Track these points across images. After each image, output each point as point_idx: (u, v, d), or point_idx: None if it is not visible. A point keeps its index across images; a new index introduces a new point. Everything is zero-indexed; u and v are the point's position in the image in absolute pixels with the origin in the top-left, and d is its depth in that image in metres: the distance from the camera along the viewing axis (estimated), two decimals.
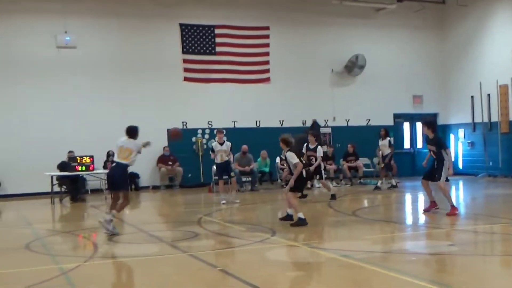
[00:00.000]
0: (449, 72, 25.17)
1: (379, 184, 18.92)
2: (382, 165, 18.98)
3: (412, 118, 25.06)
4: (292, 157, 11.61)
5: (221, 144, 16.10)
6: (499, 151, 22.75)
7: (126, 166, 11.17)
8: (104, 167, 18.74)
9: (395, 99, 24.46)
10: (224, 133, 16.86)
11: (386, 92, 24.18)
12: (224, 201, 15.89)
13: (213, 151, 16.26)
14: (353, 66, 23.54)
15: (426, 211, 12.94)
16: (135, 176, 20.36)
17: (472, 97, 23.75)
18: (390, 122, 24.48)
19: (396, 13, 24.00)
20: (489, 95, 23.09)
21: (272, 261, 8.77)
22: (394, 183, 19.16)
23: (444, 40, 25.39)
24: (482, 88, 23.17)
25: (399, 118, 24.82)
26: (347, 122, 23.69)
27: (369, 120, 24.06)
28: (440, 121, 25.18)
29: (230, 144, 16.17)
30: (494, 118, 22.99)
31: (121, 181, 11.13)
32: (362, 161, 21.96)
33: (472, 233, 10.69)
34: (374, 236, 10.43)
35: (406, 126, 25.34)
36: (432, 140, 12.63)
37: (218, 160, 16.11)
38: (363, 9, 23.71)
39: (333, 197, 15.92)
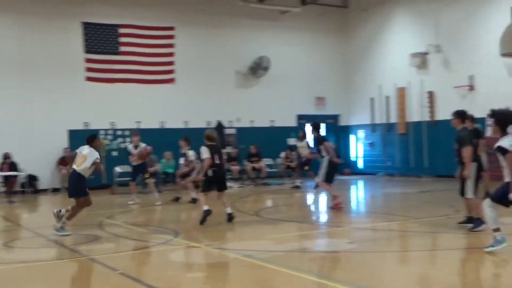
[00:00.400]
0: (350, 74, 25.87)
1: (298, 183, 19.31)
2: (297, 164, 19.41)
3: (315, 119, 25.48)
4: (203, 152, 11.70)
5: (136, 147, 16.09)
6: (396, 151, 23.62)
7: (78, 173, 10.87)
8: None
9: (299, 101, 24.86)
10: (140, 135, 16.73)
11: (290, 93, 24.54)
12: (131, 202, 15.81)
13: (130, 153, 16.21)
14: (258, 68, 23.74)
15: (332, 207, 13.62)
16: (32, 178, 19.69)
17: (372, 99, 24.52)
18: (293, 123, 24.87)
19: (300, 16, 24.42)
20: (388, 97, 23.91)
21: (175, 262, 8.71)
22: (298, 184, 19.51)
23: (346, 44, 26.08)
24: (382, 91, 23.97)
25: (303, 119, 25.21)
26: (252, 123, 23.87)
27: (273, 121, 24.35)
28: (342, 122, 25.88)
29: (144, 146, 16.07)
30: (393, 119, 23.84)
31: (72, 188, 11.03)
32: (266, 162, 22.20)
33: (371, 230, 11.00)
34: (276, 236, 10.54)
35: (309, 127, 25.79)
36: (316, 140, 14.21)
37: (134, 162, 16.07)
38: (268, 11, 23.96)
39: (193, 200, 15.59)
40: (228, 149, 22.21)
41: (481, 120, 20.18)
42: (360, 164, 25.50)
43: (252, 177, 21.50)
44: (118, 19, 21.73)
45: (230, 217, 11.84)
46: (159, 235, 10.72)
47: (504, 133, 8.03)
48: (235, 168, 21.47)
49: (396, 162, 23.64)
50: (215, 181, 11.97)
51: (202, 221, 11.55)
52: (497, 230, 8.13)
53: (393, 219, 12.15)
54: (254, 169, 21.65)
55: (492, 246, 8.14)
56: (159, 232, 11.24)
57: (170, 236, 10.44)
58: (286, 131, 24.42)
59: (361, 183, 21.62)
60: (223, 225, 11.97)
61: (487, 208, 8.17)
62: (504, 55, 15.98)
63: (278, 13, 24.41)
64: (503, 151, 7.86)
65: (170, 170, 20.75)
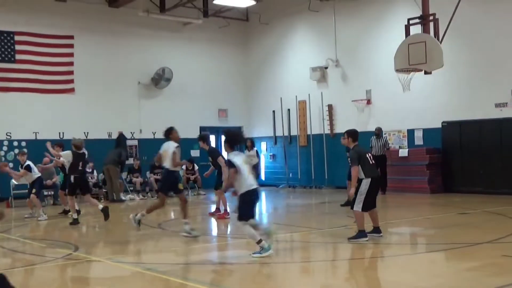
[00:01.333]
0: (252, 87, 26.16)
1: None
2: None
3: (218, 131, 25.61)
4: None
5: (22, 166, 15.70)
6: (298, 163, 24.05)
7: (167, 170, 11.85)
8: None
9: (202, 112, 24.86)
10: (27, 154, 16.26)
11: (192, 105, 24.49)
12: (28, 216, 15.51)
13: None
14: (160, 79, 23.57)
15: (211, 214, 14.57)
16: None
17: (273, 111, 24.87)
18: (196, 135, 24.63)
19: (203, 28, 24.48)
20: (289, 109, 24.34)
21: (74, 277, 8.48)
22: None
23: (248, 56, 26.37)
24: (283, 103, 24.37)
25: (205, 131, 25.21)
26: (154, 134, 23.60)
27: None
28: (245, 134, 26.01)
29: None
30: (294, 131, 24.28)
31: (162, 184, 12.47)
32: None
33: (273, 242, 11.11)
34: (179, 248, 10.47)
35: (212, 139, 25.82)
36: (208, 152, 14.62)
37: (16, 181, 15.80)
38: (170, 22, 23.87)
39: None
40: (131, 161, 21.89)
41: None
42: (263, 177, 25.77)
43: (155, 189, 21.23)
44: (14, 26, 20.96)
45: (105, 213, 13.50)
46: (58, 250, 10.39)
47: (232, 149, 9.44)
48: (138, 180, 21.16)
49: (297, 174, 24.06)
50: (78, 186, 13.86)
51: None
52: (260, 241, 9.10)
53: (295, 230, 12.34)
54: (157, 181, 21.39)
55: (259, 253, 9.07)
56: (58, 246, 10.89)
57: (70, 251, 10.15)
58: (189, 143, 24.31)
59: (263, 195, 21.81)
60: (125, 238, 11.77)
61: (245, 227, 9.19)
62: (398, 70, 16.64)
63: (180, 24, 24.38)
64: (230, 164, 9.19)
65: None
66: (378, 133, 19.34)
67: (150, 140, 23.42)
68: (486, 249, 9.55)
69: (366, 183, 10.29)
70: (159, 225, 13.52)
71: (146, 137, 23.41)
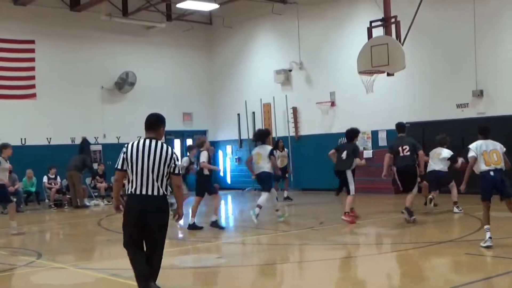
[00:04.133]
0: (217, 90, 26.11)
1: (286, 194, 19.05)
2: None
3: (183, 135, 25.52)
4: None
5: None
6: None
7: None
8: None
9: (166, 116, 23.65)
10: None
11: (156, 109, 23.64)
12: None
13: None
14: (123, 83, 23.38)
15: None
16: None
17: (238, 114, 24.87)
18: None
19: (166, 31, 24.37)
20: (254, 112, 24.37)
21: (37, 285, 8.33)
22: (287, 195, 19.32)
23: (212, 60, 26.33)
24: (248, 106, 24.39)
25: (170, 135, 25.10)
26: (118, 139, 23.39)
27: (140, 137, 23.84)
28: (210, 137, 25.94)
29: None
30: None
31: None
32: None
33: (240, 245, 11.12)
34: None
35: (177, 142, 25.72)
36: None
37: None
38: (133, 26, 23.70)
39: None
40: (95, 166, 21.62)
41: (341, 135, 21.10)
42: (228, 180, 25.73)
43: (121, 194, 20.97)
44: None
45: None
46: (21, 257, 10.22)
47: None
48: (102, 185, 20.90)
49: None
50: None
51: None
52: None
53: (261, 233, 12.33)
54: (123, 185, 21.16)
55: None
56: (20, 254, 10.70)
57: (33, 258, 9.98)
58: None
59: (229, 198, 21.78)
60: (90, 244, 11.63)
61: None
62: (361, 73, 16.77)
63: (143, 28, 24.23)
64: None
65: (32, 189, 19.88)
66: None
67: (114, 145, 23.16)
68: (450, 248, 9.68)
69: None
70: None
71: (110, 142, 23.18)
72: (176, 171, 6.53)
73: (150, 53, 24.60)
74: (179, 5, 21.95)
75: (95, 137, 22.81)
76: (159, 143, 6.49)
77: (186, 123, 25.49)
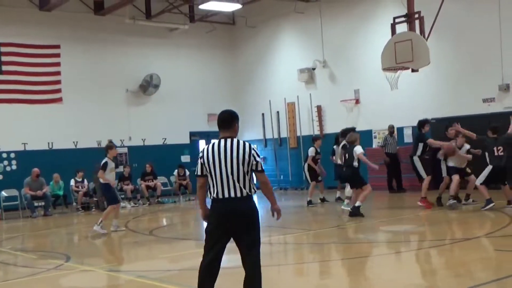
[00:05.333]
0: (241, 90, 26.13)
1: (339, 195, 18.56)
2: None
3: (208, 136, 25.56)
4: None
5: None
6: (289, 165, 24.05)
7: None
8: None
9: (191, 118, 24.81)
10: None
11: (181, 110, 24.45)
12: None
13: None
14: (148, 86, 23.52)
15: None
16: None
17: (263, 114, 24.86)
18: (186, 140, 24.82)
19: (189, 33, 24.45)
20: (278, 112, 24.35)
21: None
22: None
23: (236, 60, 26.36)
24: (272, 106, 24.38)
25: (195, 136, 25.23)
26: (144, 141, 23.57)
27: (165, 139, 24.15)
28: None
29: None
30: (284, 134, 24.28)
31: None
32: (160, 180, 21.95)
33: (267, 244, 11.10)
34: (171, 255, 10.43)
35: (202, 143, 25.78)
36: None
37: None
38: (156, 28, 23.83)
39: None
40: (121, 168, 21.76)
41: (368, 132, 21.01)
42: (254, 180, 25.69)
43: (147, 196, 21.17)
44: (0, 38, 20.85)
45: None
46: (49, 260, 10.33)
47: None
48: (129, 187, 21.03)
49: (288, 175, 24.06)
50: None
51: None
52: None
53: (288, 232, 12.30)
54: (148, 187, 21.35)
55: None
56: (49, 257, 10.82)
57: (61, 261, 10.09)
58: (179, 149, 24.33)
59: (256, 198, 21.74)
60: (117, 246, 11.72)
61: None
62: (385, 69, 16.65)
63: (167, 30, 24.34)
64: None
65: (59, 193, 20.07)
66: (391, 130, 19.43)
67: (140, 147, 23.39)
68: (478, 244, 9.57)
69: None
70: (151, 232, 13.46)
71: (136, 144, 23.35)
72: (259, 168, 6.15)
73: (173, 55, 24.71)
74: (201, 7, 21.99)
75: (121, 140, 22.96)
76: (235, 141, 6.05)
77: (211, 124, 25.52)
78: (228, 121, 6.24)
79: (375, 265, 8.93)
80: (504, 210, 12.96)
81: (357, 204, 13.47)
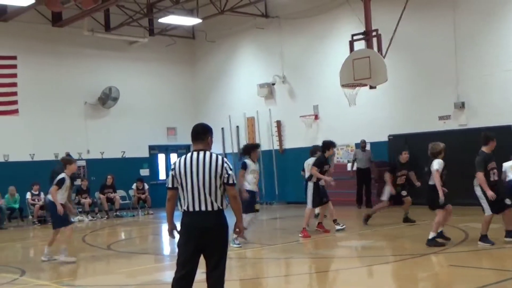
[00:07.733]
0: (201, 104, 26.10)
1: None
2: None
3: (167, 150, 25.49)
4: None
5: None
6: None
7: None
8: None
9: (150, 131, 24.68)
10: None
11: (141, 124, 24.30)
12: None
13: None
14: (107, 98, 23.33)
15: None
16: None
17: (222, 128, 24.85)
18: (145, 153, 24.66)
19: (149, 46, 24.40)
20: (237, 127, 24.40)
21: None
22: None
23: (196, 74, 26.36)
24: (231, 120, 24.42)
25: (154, 149, 25.11)
26: (102, 154, 23.34)
27: (124, 152, 23.96)
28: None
29: None
30: None
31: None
32: (119, 194, 21.74)
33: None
34: (129, 269, 10.34)
35: (161, 157, 25.68)
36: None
37: None
38: (115, 41, 23.71)
39: None
40: (78, 182, 21.46)
41: None
42: None
43: (106, 209, 20.91)
44: None
45: None
46: (3, 275, 10.12)
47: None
48: (86, 201, 20.74)
49: None
50: None
51: None
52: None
53: (247, 247, 12.30)
54: (108, 200, 21.09)
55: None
56: (4, 271, 10.60)
57: (16, 275, 9.91)
58: (138, 162, 24.15)
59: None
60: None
61: None
62: (344, 86, 16.86)
63: (126, 43, 24.24)
64: None
65: (15, 206, 19.71)
66: (364, 145, 19.50)
67: (98, 160, 23.14)
68: (433, 260, 9.73)
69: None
70: (109, 246, 13.32)
71: (94, 157, 23.11)
72: (230, 181, 5.98)
73: (133, 68, 24.59)
74: (161, 20, 21.99)
75: (78, 153, 22.66)
76: (207, 154, 5.99)
77: (170, 138, 25.45)
78: (201, 134, 6.25)
79: (334, 280, 9.01)
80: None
81: (431, 236, 10.88)
